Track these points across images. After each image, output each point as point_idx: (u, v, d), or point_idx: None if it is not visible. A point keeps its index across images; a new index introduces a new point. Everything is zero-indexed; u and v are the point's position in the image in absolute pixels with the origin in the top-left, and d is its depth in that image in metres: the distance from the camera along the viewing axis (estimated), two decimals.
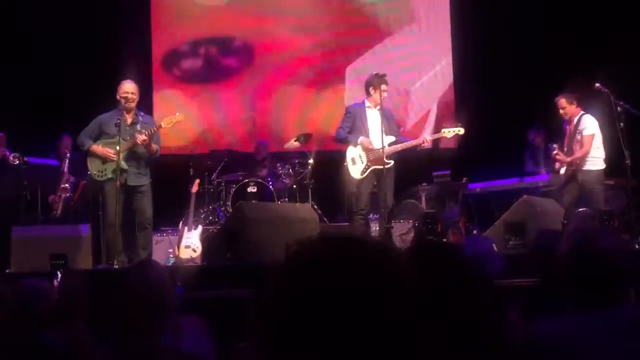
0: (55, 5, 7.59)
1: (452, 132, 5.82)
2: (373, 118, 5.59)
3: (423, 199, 6.86)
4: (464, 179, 6.80)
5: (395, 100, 8.50)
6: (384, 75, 5.70)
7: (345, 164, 5.72)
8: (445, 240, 5.85)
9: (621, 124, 5.47)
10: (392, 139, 5.60)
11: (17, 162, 6.02)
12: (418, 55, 8.71)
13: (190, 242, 6.19)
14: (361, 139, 5.58)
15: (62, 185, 6.59)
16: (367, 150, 5.57)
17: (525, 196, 5.74)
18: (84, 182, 6.68)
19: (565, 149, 6.00)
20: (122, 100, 5.26)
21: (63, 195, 6.60)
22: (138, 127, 5.28)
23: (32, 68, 7.49)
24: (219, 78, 8.52)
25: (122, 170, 5.20)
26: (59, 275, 3.33)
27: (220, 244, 5.50)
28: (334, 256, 0.87)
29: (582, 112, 5.94)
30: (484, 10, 8.33)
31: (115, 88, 5.49)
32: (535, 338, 1.71)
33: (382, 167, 5.43)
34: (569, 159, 5.88)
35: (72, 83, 7.48)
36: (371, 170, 5.56)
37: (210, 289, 4.38)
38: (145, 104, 7.63)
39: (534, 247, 2.85)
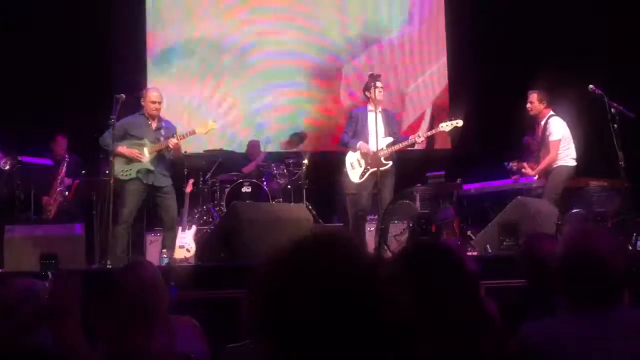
0: (50, 4, 7.55)
1: (450, 125, 5.84)
2: (374, 121, 5.65)
3: (417, 199, 6.83)
4: (459, 180, 6.78)
5: (391, 102, 8.51)
6: (379, 75, 5.76)
7: (344, 169, 5.84)
8: (439, 240, 5.84)
9: (615, 125, 5.48)
10: (390, 140, 5.68)
11: (8, 167, 6.02)
12: (414, 56, 8.73)
13: (184, 242, 6.17)
14: (359, 143, 5.72)
15: (59, 189, 6.55)
16: (365, 154, 5.69)
17: (519, 197, 5.75)
18: (77, 181, 6.65)
19: (536, 153, 6.05)
20: (151, 107, 5.47)
21: (59, 199, 6.56)
22: (162, 131, 5.50)
23: (25, 66, 7.45)
24: (213, 77, 8.50)
25: (149, 171, 5.41)
26: (50, 275, 3.30)
27: (214, 244, 5.49)
28: (314, 258, 0.89)
29: (550, 113, 5.98)
30: (479, 12, 8.35)
31: (109, 86, 5.54)
32: (526, 339, 1.71)
33: (380, 168, 5.58)
34: (534, 172, 5.94)
35: (66, 81, 7.45)
36: (370, 173, 5.69)
37: (204, 289, 4.37)
38: (138, 102, 7.63)
39: (522, 249, 2.87)
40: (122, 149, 5.43)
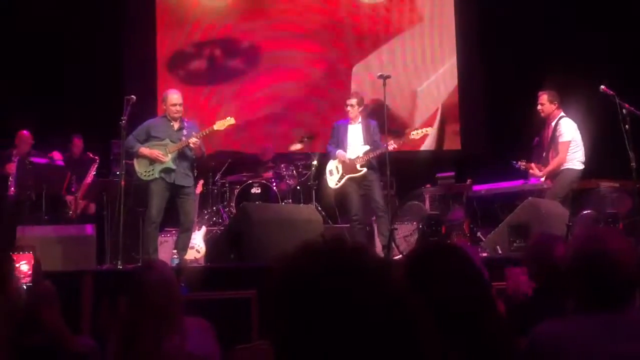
0: (61, 6, 7.61)
1: (420, 133, 6.07)
2: (354, 132, 6.13)
3: (427, 200, 6.83)
4: (468, 181, 6.77)
5: (400, 102, 8.51)
6: (388, 76, 5.92)
7: (324, 176, 6.25)
8: (449, 242, 5.83)
9: (626, 126, 5.44)
10: (367, 148, 5.99)
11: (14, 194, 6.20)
12: (424, 56, 8.72)
13: (194, 243, 6.20)
14: (337, 152, 6.11)
15: (85, 191, 6.63)
16: (342, 161, 6.05)
17: (530, 198, 5.72)
18: (88, 182, 6.71)
19: (544, 154, 6.00)
20: (172, 110, 5.57)
21: (88, 202, 6.64)
22: (184, 132, 5.59)
23: (36, 68, 7.51)
24: (223, 79, 8.53)
25: (171, 170, 5.49)
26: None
27: (224, 245, 5.51)
28: (325, 261, 0.90)
29: (561, 114, 5.92)
30: (488, 11, 8.33)
31: (120, 88, 5.55)
32: (535, 339, 1.71)
33: (355, 174, 5.98)
34: (542, 174, 5.88)
35: (77, 84, 7.50)
36: (347, 179, 6.04)
37: (214, 290, 4.38)
38: (149, 104, 7.67)
39: (530, 250, 2.85)
40: (145, 150, 5.52)
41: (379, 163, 6.03)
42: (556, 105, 5.94)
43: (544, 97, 5.95)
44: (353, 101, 6.14)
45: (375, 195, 5.95)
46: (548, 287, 2.62)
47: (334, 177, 6.15)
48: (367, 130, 6.08)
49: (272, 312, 0.90)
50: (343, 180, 6.06)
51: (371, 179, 5.98)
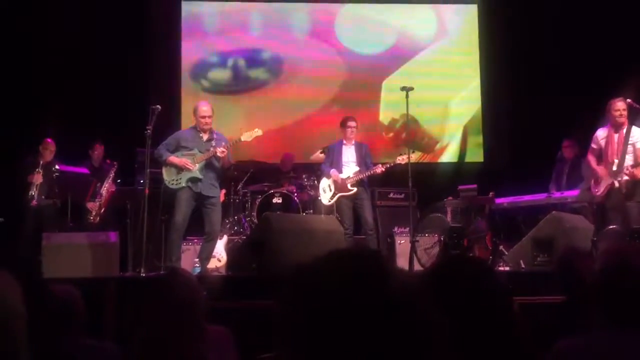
0: (86, 16, 7.75)
1: (405, 157, 6.13)
2: (347, 153, 6.52)
3: (449, 213, 6.78)
4: (491, 194, 6.72)
5: (431, 116, 8.53)
6: (411, 88, 6.09)
7: (318, 192, 6.60)
8: (471, 255, 5.78)
9: None
10: (357, 169, 6.39)
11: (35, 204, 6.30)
12: (449, 70, 8.70)
13: (216, 252, 6.22)
14: (331, 171, 6.46)
15: (105, 196, 6.72)
16: (335, 180, 6.40)
17: (553, 212, 5.66)
18: (113, 190, 6.79)
19: (616, 159, 5.76)
20: (201, 122, 5.68)
21: (102, 206, 6.73)
22: (213, 142, 5.69)
23: (63, 79, 7.64)
24: (246, 89, 8.60)
25: (197, 180, 5.56)
26: None
27: (245, 254, 5.54)
28: (342, 272, 0.89)
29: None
30: (512, 25, 8.29)
31: (145, 97, 5.62)
32: (559, 354, 1.69)
33: (346, 193, 6.35)
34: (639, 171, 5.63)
35: (102, 92, 7.61)
36: (339, 197, 6.40)
37: (235, 299, 4.40)
38: (173, 114, 7.76)
39: (558, 264, 2.81)
40: (174, 158, 5.61)
41: (370, 182, 6.47)
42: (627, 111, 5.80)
43: (624, 104, 5.74)
44: (354, 123, 6.53)
45: (366, 214, 6.29)
46: (575, 301, 2.58)
47: (326, 195, 6.49)
48: (359, 152, 6.49)
49: (288, 321, 0.89)
50: (335, 198, 6.42)
51: (362, 197, 6.35)
